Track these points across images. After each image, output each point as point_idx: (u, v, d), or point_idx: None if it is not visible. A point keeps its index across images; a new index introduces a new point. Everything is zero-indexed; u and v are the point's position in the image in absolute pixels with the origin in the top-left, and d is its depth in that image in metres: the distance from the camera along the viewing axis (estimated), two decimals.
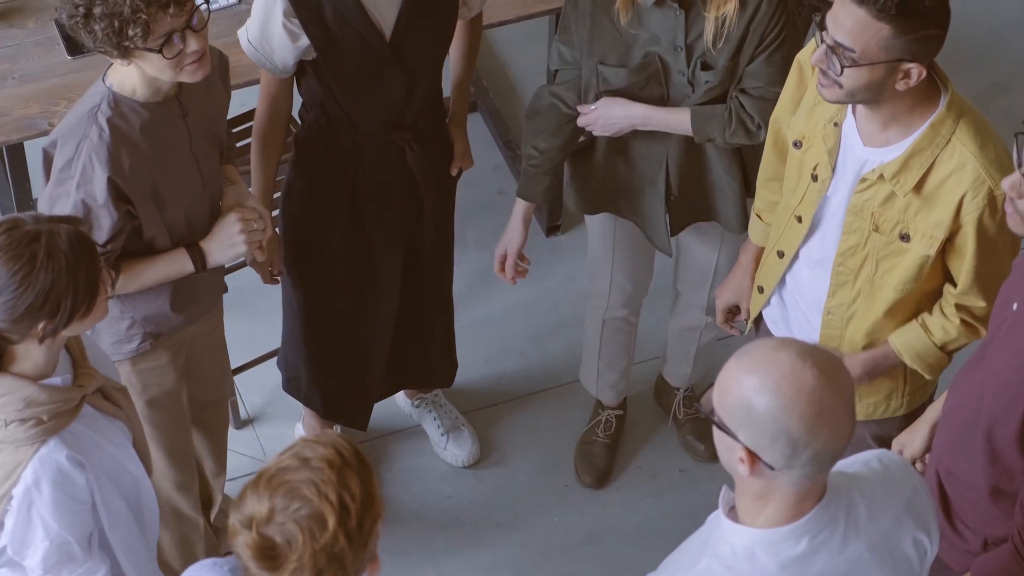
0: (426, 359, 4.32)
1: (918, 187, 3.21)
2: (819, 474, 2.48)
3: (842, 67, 3.08)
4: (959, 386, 3.21)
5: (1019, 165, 2.82)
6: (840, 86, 3.12)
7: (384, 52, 3.63)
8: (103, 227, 3.30)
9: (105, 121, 3.27)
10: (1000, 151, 3.21)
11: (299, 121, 3.89)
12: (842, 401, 2.42)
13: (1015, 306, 3.03)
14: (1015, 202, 2.86)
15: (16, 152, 4.31)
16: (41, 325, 2.86)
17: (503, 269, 4.07)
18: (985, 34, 5.64)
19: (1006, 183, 2.86)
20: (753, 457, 2.45)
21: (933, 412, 3.38)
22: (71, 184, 3.28)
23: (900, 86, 3.11)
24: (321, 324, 4.07)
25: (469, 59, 3.99)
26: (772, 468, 2.45)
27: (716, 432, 2.49)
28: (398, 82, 3.69)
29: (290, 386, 4.26)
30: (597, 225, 4.13)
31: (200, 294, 3.64)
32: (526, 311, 4.84)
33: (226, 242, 3.46)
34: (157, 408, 3.70)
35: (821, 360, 2.43)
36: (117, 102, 3.29)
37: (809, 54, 3.39)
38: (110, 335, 3.56)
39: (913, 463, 3.37)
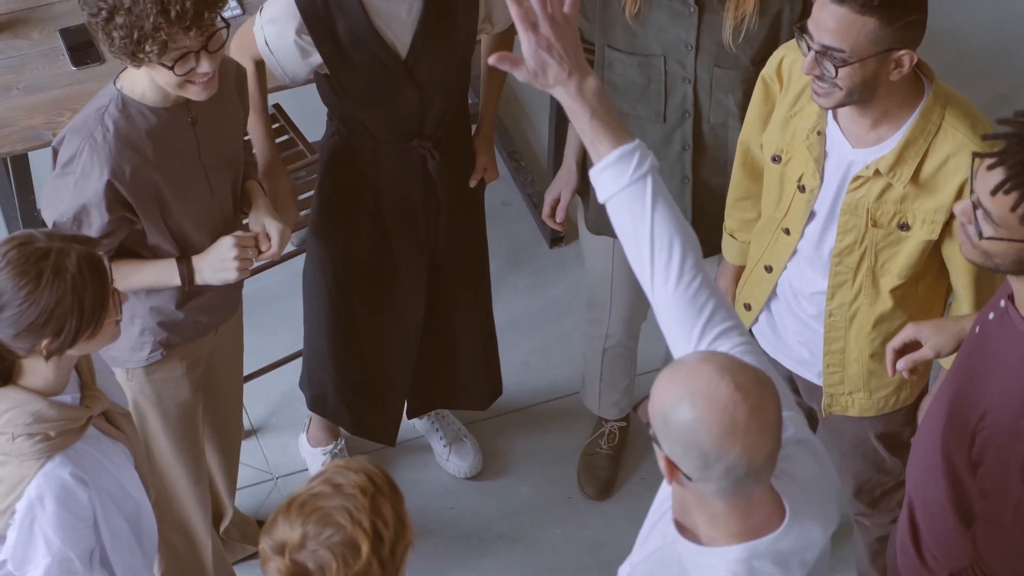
0: (454, 378, 4.27)
1: (915, 176, 3.23)
2: (739, 488, 2.47)
3: (836, 69, 3.09)
4: (930, 410, 3.21)
5: (972, 191, 2.81)
6: (840, 88, 3.13)
7: (398, 70, 3.64)
8: (93, 226, 3.31)
9: (111, 122, 3.29)
10: (989, 129, 3.22)
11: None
12: (757, 420, 2.42)
13: (977, 329, 3.03)
14: (966, 227, 2.85)
15: (20, 162, 4.32)
16: (45, 342, 2.86)
17: (552, 215, 4.05)
18: (989, 47, 5.64)
19: (958, 208, 2.86)
20: (672, 466, 2.49)
21: (960, 322, 3.31)
22: (71, 179, 3.30)
23: (894, 76, 3.13)
24: (347, 337, 4.06)
25: (498, 74, 3.99)
26: (689, 479, 2.47)
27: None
28: (412, 98, 3.70)
29: (317, 404, 4.22)
30: (596, 252, 4.10)
31: (211, 300, 3.61)
32: (529, 322, 4.84)
33: (218, 265, 3.44)
34: (171, 420, 3.70)
35: (741, 377, 2.43)
36: (125, 104, 3.31)
37: (773, 71, 3.41)
38: (122, 341, 3.54)
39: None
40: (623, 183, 2.72)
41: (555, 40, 2.70)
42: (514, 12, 2.68)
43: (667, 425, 2.46)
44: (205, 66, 3.21)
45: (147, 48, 3.14)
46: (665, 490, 2.70)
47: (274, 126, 4.62)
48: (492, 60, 2.77)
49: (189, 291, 3.53)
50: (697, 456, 2.43)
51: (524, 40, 2.72)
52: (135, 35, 3.13)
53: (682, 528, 2.60)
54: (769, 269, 3.52)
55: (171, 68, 3.19)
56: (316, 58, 3.61)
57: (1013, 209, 2.73)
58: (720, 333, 2.70)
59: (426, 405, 4.34)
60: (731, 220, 3.68)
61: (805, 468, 2.63)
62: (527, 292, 4.90)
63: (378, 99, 3.68)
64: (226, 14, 4.24)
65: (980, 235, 2.79)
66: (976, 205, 2.79)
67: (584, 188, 3.98)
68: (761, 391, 2.44)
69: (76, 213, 3.31)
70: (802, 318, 3.54)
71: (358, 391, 4.14)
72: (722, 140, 3.70)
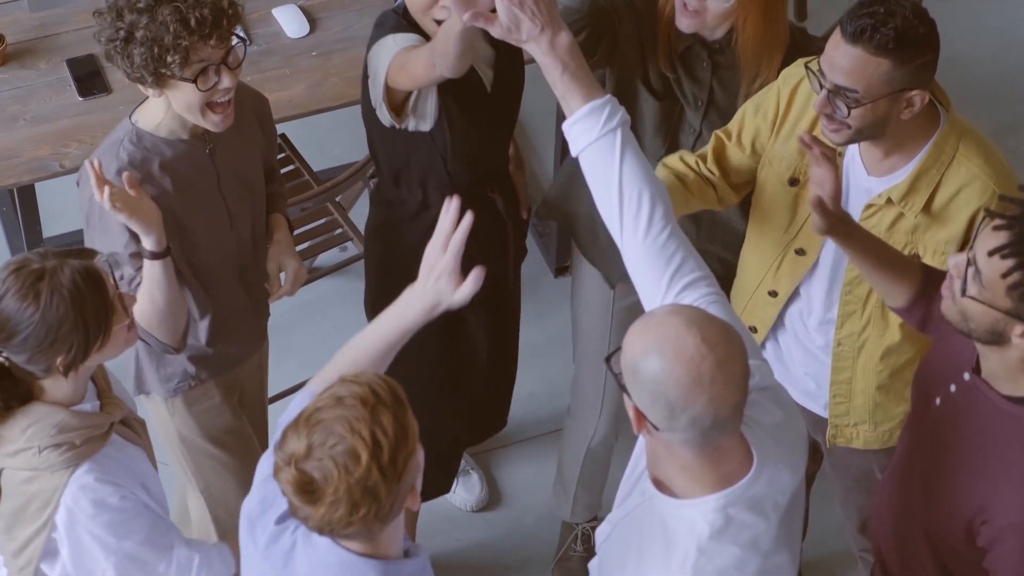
0: (504, 401, 4.22)
1: (927, 206, 3.22)
2: (706, 439, 2.54)
3: (849, 109, 3.09)
4: (892, 481, 3.17)
5: (971, 247, 2.78)
6: (849, 127, 3.13)
7: (488, 105, 3.61)
8: (122, 256, 3.30)
9: (126, 155, 3.30)
10: (1003, 162, 3.23)
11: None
12: (723, 373, 2.49)
13: (938, 401, 2.99)
14: (952, 282, 2.81)
15: (27, 193, 4.32)
16: (59, 360, 2.90)
17: None
18: (993, 76, 5.65)
19: (951, 260, 2.82)
20: (640, 416, 2.55)
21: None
22: (98, 218, 3.31)
23: (905, 115, 3.13)
24: (423, 402, 4.00)
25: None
26: (657, 428, 2.54)
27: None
28: (497, 134, 3.69)
29: None
30: (590, 347, 4.03)
31: (240, 335, 3.62)
32: (535, 352, 4.83)
33: None
34: (223, 447, 3.71)
35: (709, 330, 2.51)
36: (140, 137, 3.33)
37: (788, 92, 3.36)
38: (152, 371, 3.58)
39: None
40: (593, 136, 2.80)
41: None
42: None
43: (636, 375, 2.52)
44: (226, 81, 3.24)
45: (169, 60, 3.16)
46: (641, 446, 2.75)
47: (280, 156, 4.63)
48: (466, 18, 2.81)
49: (217, 329, 3.53)
50: (664, 406, 2.50)
51: None
52: (155, 50, 3.15)
53: (658, 484, 2.65)
54: (774, 294, 3.51)
55: (194, 82, 3.20)
56: (432, 106, 3.53)
57: (1005, 276, 2.69)
58: (688, 283, 2.77)
59: (485, 434, 4.26)
60: (678, 164, 3.49)
61: (770, 413, 2.69)
62: (532, 322, 4.89)
63: (473, 139, 3.62)
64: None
65: (963, 291, 2.76)
66: (970, 262, 2.76)
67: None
68: (728, 344, 2.51)
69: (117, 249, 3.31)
70: (810, 349, 3.53)
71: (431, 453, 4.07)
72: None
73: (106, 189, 3.13)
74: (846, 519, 3.87)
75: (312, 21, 4.57)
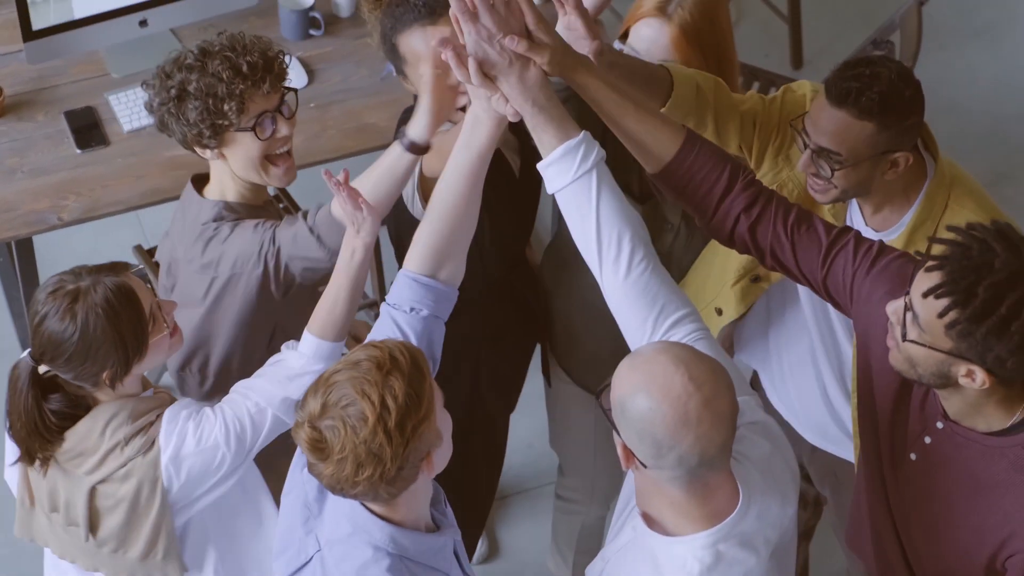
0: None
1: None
2: (694, 477, 2.55)
3: (832, 170, 3.09)
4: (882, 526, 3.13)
5: (907, 292, 2.76)
6: (835, 187, 3.13)
7: (517, 189, 3.60)
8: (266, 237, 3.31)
9: (233, 218, 3.34)
10: (995, 205, 3.23)
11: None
12: (710, 411, 2.51)
13: (913, 456, 2.96)
14: (893, 328, 2.79)
15: (25, 247, 4.32)
16: (104, 375, 3.00)
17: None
18: (988, 125, 5.66)
19: (890, 307, 2.80)
20: (628, 453, 2.57)
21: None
22: (233, 233, 3.31)
23: (889, 176, 3.13)
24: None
25: None
26: (645, 466, 2.56)
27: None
28: (525, 218, 3.68)
29: None
30: (574, 420, 4.02)
31: None
32: (533, 403, 4.81)
33: None
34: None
35: (696, 369, 2.52)
36: (230, 208, 3.35)
37: (803, 106, 3.31)
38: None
39: None
40: (568, 179, 2.79)
41: (496, 30, 2.75)
42: (454, 3, 2.72)
43: (624, 413, 2.54)
44: (284, 129, 3.29)
45: (225, 108, 3.20)
46: (631, 481, 2.76)
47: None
48: (435, 43, 2.80)
49: None
50: (651, 444, 2.52)
51: (465, 30, 2.76)
52: (211, 101, 3.19)
53: (649, 520, 2.66)
54: (720, 312, 3.50)
55: (252, 130, 3.23)
56: None
57: (940, 316, 2.68)
58: (674, 323, 2.78)
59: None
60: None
61: (758, 447, 2.70)
62: (530, 372, 4.88)
63: (507, 225, 3.60)
64: None
65: (904, 336, 2.75)
66: (907, 307, 2.75)
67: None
68: (715, 383, 2.52)
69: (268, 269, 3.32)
70: (824, 383, 3.53)
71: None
72: (677, 277, 3.64)
73: (428, 68, 3.08)
74: (850, 568, 3.85)
75: (310, 72, 4.58)
